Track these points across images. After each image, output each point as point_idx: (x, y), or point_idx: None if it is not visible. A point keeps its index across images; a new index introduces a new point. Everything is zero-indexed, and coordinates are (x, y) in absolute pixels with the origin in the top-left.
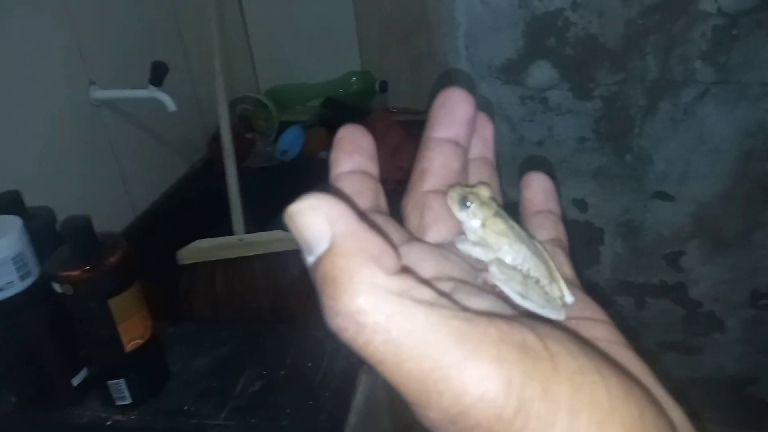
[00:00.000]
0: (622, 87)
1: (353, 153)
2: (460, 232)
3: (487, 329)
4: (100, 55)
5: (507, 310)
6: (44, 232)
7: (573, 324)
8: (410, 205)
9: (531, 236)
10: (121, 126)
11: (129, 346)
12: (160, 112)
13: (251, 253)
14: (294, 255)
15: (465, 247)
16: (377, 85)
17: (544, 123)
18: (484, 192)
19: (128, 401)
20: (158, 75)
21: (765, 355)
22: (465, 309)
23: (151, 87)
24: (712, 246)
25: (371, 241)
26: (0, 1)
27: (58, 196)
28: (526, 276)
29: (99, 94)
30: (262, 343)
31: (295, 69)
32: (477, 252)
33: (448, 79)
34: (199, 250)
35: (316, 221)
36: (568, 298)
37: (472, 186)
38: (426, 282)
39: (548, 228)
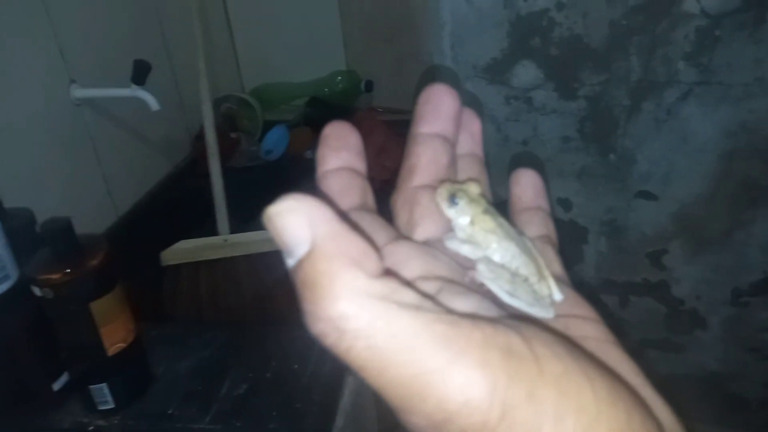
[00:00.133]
0: (606, 87)
1: (340, 150)
2: (450, 228)
3: (472, 333)
4: (80, 53)
5: (494, 310)
6: (23, 234)
7: (562, 322)
8: (399, 202)
9: (520, 233)
10: (102, 125)
11: (111, 350)
12: (142, 112)
13: (236, 254)
14: (279, 255)
15: (453, 245)
16: (362, 85)
17: (529, 123)
18: (473, 189)
19: (111, 406)
20: (141, 73)
21: (746, 353)
22: (450, 311)
23: (134, 86)
24: (694, 245)
25: (353, 243)
26: None
27: (37, 196)
28: (514, 274)
29: (80, 92)
30: (247, 345)
31: (280, 68)
32: (465, 250)
33: (432, 75)
34: (183, 250)
35: (295, 223)
36: (557, 295)
37: (461, 182)
38: (410, 284)
39: (538, 224)
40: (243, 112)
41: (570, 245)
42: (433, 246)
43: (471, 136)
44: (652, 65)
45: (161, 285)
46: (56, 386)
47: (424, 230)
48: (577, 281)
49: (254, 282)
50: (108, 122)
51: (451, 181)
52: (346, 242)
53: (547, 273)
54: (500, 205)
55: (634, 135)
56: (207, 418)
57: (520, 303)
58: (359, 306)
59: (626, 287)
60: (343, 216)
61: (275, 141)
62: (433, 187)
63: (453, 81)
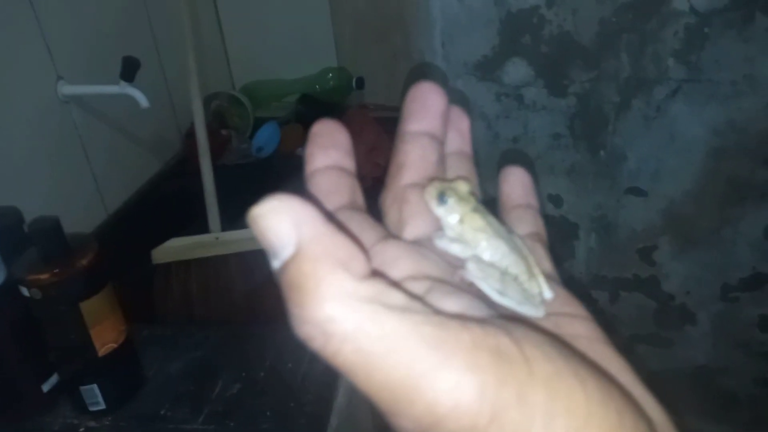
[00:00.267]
0: (596, 85)
1: (329, 148)
2: (439, 227)
3: (460, 334)
4: (67, 49)
5: (484, 310)
6: (11, 234)
7: (553, 320)
8: (389, 200)
9: (510, 231)
10: (91, 123)
11: (102, 351)
12: (132, 109)
13: (228, 252)
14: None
15: (443, 244)
16: (354, 82)
17: (520, 120)
18: (463, 187)
19: (102, 407)
20: (130, 70)
21: (735, 348)
22: (438, 312)
23: (123, 83)
24: (683, 241)
25: (339, 244)
26: None
27: (25, 195)
28: (504, 273)
29: (67, 89)
30: (240, 345)
31: (271, 65)
32: (455, 249)
33: (420, 74)
34: (174, 249)
35: (280, 225)
36: (547, 294)
37: (451, 181)
38: (398, 285)
39: (528, 222)
40: (233, 109)
41: (560, 242)
42: (422, 245)
43: (459, 133)
44: (641, 63)
45: (152, 284)
46: (45, 387)
47: (414, 229)
48: (567, 277)
49: (246, 280)
50: (97, 120)
51: (440, 179)
52: (333, 243)
53: (537, 271)
54: (490, 203)
55: (623, 132)
56: (200, 419)
57: (510, 302)
58: (346, 309)
59: (616, 283)
60: (330, 216)
61: (266, 138)
62: (422, 186)
63: (440, 79)
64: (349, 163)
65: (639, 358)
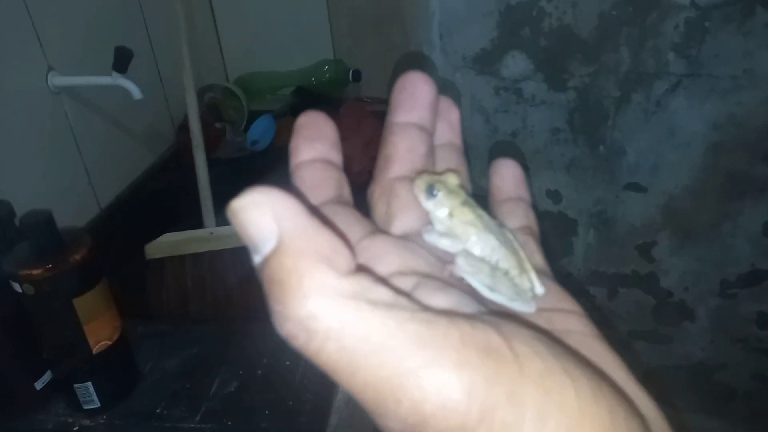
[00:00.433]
0: (595, 79)
1: (315, 141)
2: (428, 221)
3: (448, 332)
4: (58, 39)
5: (473, 306)
6: (2, 228)
7: (545, 316)
8: (377, 194)
9: (501, 225)
10: (83, 115)
11: (96, 348)
12: (124, 101)
13: (222, 247)
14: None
15: (432, 239)
16: (350, 74)
17: (518, 114)
18: (452, 180)
19: (96, 405)
20: (122, 61)
21: (734, 343)
22: (426, 308)
23: (115, 74)
24: (682, 237)
25: (322, 238)
26: None
27: (16, 189)
28: (494, 268)
29: (58, 80)
30: (237, 342)
31: (265, 56)
32: (444, 243)
33: (409, 63)
34: (168, 244)
35: (260, 218)
36: (539, 289)
37: (440, 173)
38: (385, 280)
39: (519, 216)
40: (228, 101)
41: (559, 237)
42: (411, 239)
43: (449, 125)
44: (641, 57)
45: (145, 279)
46: (39, 385)
47: (402, 223)
48: (566, 273)
49: (241, 275)
50: (89, 111)
51: (429, 171)
52: (316, 238)
53: (528, 266)
54: (482, 197)
55: (623, 127)
56: (197, 417)
57: (500, 297)
58: (329, 305)
59: (615, 279)
60: (315, 210)
61: (261, 131)
62: (410, 179)
63: (430, 68)
64: (335, 155)
65: (637, 354)
